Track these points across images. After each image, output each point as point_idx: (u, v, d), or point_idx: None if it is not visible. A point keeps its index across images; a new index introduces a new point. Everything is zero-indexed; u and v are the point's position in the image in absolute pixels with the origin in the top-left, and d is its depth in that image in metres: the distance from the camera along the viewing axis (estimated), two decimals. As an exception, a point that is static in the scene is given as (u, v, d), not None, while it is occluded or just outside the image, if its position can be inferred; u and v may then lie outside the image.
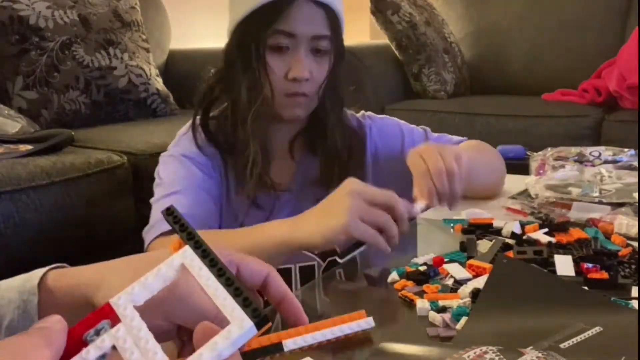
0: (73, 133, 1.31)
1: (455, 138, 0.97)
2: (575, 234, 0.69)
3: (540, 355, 0.31)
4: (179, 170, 0.81)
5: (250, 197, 0.80)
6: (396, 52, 2.17)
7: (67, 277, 0.41)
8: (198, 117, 0.85)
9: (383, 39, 2.23)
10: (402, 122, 0.97)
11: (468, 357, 0.32)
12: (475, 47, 2.38)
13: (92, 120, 1.58)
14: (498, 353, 0.31)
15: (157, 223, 0.76)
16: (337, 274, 0.68)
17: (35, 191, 1.09)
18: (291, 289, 0.37)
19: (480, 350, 0.32)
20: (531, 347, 0.34)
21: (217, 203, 0.80)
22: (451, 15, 2.41)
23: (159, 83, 1.74)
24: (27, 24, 1.51)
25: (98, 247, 1.21)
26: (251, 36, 0.80)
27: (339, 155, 0.85)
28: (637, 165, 0.96)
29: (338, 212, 0.61)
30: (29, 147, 1.22)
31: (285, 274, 0.76)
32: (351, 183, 0.64)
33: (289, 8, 0.77)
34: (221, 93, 0.85)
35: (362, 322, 0.46)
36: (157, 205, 0.79)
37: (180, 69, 1.96)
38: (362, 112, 0.97)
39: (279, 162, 0.86)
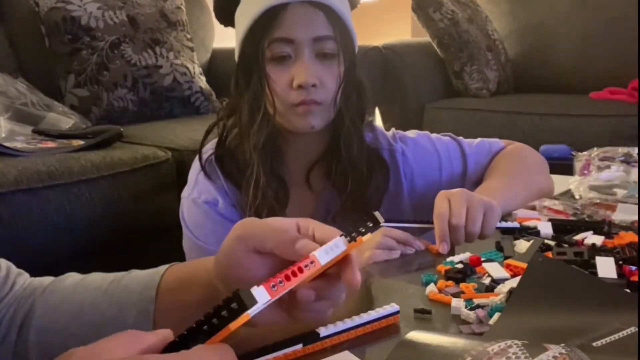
0: (122, 129, 1.37)
1: (495, 146, 0.92)
2: (627, 237, 0.67)
3: (563, 351, 0.31)
4: (204, 221, 0.79)
5: None
6: (437, 50, 2.15)
7: (181, 271, 0.45)
8: (205, 155, 0.82)
9: (425, 37, 2.21)
10: (434, 137, 0.92)
11: (492, 350, 0.32)
12: (520, 45, 2.33)
13: (139, 117, 1.63)
14: (522, 347, 0.32)
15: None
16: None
17: (86, 184, 1.14)
18: None
19: (505, 344, 0.32)
20: (563, 345, 0.33)
21: None
22: (495, 12, 2.36)
23: (202, 81, 1.78)
24: (79, 24, 1.58)
25: (142, 238, 1.25)
26: (250, 50, 0.76)
27: (357, 173, 0.80)
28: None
29: None
30: (80, 142, 1.27)
31: None
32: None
33: (284, 13, 0.73)
34: (229, 119, 0.82)
35: (389, 307, 0.47)
36: (186, 247, 0.83)
37: (222, 68, 2.00)
38: (393, 130, 0.92)
39: (296, 194, 0.80)
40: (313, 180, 0.83)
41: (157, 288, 0.43)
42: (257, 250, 0.38)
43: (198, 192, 0.81)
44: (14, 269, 0.49)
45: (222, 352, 0.28)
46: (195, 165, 0.84)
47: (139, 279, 0.45)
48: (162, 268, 0.46)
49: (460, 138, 0.94)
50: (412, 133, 0.93)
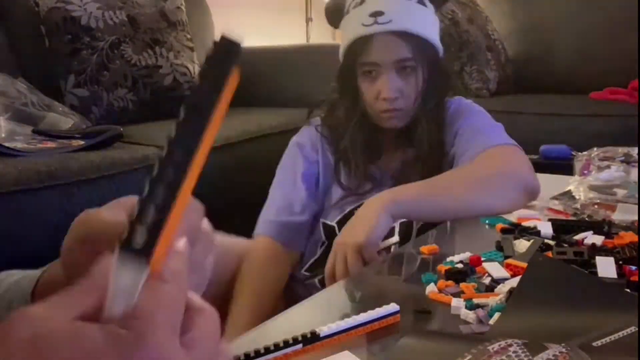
0: (122, 129, 1.37)
1: (491, 142, 0.91)
2: (627, 237, 0.67)
3: (563, 350, 0.31)
4: (286, 159, 1.01)
5: (348, 188, 0.96)
6: (438, 50, 2.15)
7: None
8: (320, 116, 1.02)
9: (424, 37, 2.21)
10: (488, 121, 0.99)
11: (492, 349, 0.32)
12: (521, 45, 2.32)
13: (139, 117, 1.63)
14: (522, 346, 0.32)
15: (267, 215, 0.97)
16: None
17: (86, 184, 1.14)
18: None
19: (505, 342, 0.32)
20: (563, 344, 0.33)
21: (310, 188, 0.97)
22: (495, 12, 2.36)
23: (202, 81, 1.78)
24: (79, 24, 1.58)
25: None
26: (348, 65, 0.96)
27: (425, 156, 0.94)
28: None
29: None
30: (80, 142, 1.27)
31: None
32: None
33: (371, 42, 0.91)
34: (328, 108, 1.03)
35: (389, 307, 0.47)
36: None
37: (223, 68, 1.99)
38: (458, 101, 1.03)
39: (389, 154, 0.99)
40: (388, 160, 1.00)
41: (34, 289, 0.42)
42: (97, 250, 0.34)
43: (296, 138, 1.03)
44: None
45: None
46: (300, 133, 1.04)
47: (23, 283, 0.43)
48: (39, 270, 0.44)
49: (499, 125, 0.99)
50: (471, 110, 1.01)
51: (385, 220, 0.73)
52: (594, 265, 0.59)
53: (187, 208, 0.23)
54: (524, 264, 0.58)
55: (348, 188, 0.96)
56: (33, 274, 0.43)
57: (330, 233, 0.94)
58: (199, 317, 0.24)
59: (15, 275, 0.47)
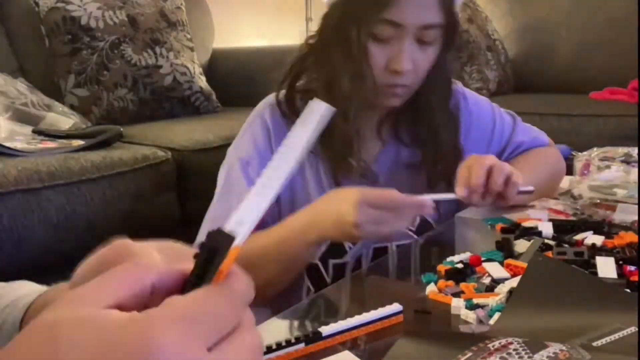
0: (122, 129, 1.37)
1: (541, 139, 0.94)
2: (627, 237, 0.67)
3: (563, 348, 0.31)
4: (248, 141, 0.79)
5: (338, 179, 0.78)
6: (438, 50, 2.15)
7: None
8: (283, 91, 0.81)
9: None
10: (494, 104, 0.94)
11: (492, 346, 0.32)
12: (520, 45, 2.33)
13: (139, 117, 1.64)
14: (523, 344, 0.32)
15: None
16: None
17: (86, 184, 1.14)
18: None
19: (506, 340, 0.32)
20: (564, 344, 0.33)
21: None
22: (495, 12, 2.36)
23: (202, 81, 1.78)
24: (79, 24, 1.58)
25: (143, 238, 1.26)
26: (353, 20, 0.72)
27: (438, 141, 0.81)
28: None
29: (348, 226, 0.62)
30: (80, 142, 1.28)
31: (381, 253, 0.76)
32: (354, 193, 0.63)
33: None
34: (311, 67, 0.79)
35: (392, 307, 0.47)
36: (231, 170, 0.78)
37: (223, 68, 2.00)
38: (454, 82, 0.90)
39: (364, 143, 0.81)
40: (383, 132, 0.83)
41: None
42: None
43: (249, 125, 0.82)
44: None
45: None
46: (258, 108, 0.83)
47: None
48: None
49: (519, 118, 0.95)
50: (472, 94, 0.93)
51: None
52: (594, 265, 0.58)
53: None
54: (524, 264, 0.58)
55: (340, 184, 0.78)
56: (33, 293, 0.42)
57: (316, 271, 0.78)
58: (239, 337, 0.22)
59: (23, 288, 0.46)
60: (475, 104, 0.90)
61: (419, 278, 0.60)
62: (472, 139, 0.87)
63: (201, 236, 0.75)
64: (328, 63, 0.76)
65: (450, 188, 0.76)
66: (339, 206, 0.63)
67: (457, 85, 0.88)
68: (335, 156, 0.78)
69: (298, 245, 0.68)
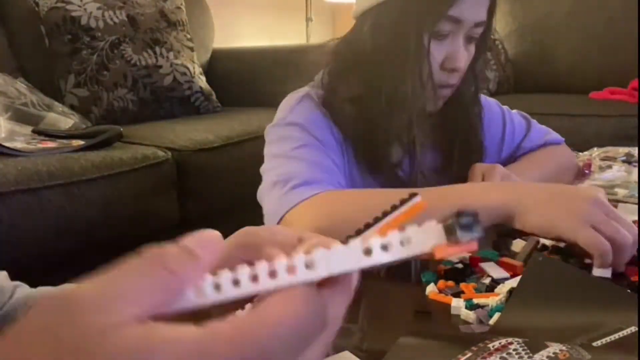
0: (122, 129, 1.37)
1: (553, 138, 0.94)
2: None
3: (564, 348, 0.31)
4: (301, 134, 0.72)
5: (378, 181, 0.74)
6: (438, 50, 2.15)
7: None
8: (315, 91, 0.78)
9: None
10: (505, 107, 0.92)
11: (492, 346, 0.32)
12: (520, 45, 2.33)
13: (139, 117, 1.64)
14: (523, 344, 0.32)
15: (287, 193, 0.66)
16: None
17: (86, 184, 1.14)
18: None
19: (506, 340, 0.32)
20: (564, 344, 0.33)
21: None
22: (495, 12, 2.36)
23: (202, 81, 1.78)
24: (79, 24, 1.58)
25: (143, 238, 1.26)
26: (416, 17, 0.70)
27: (467, 144, 0.80)
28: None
29: (572, 217, 0.55)
30: (80, 142, 1.28)
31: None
32: (594, 191, 0.58)
33: None
34: (353, 71, 0.75)
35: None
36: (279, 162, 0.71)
37: (223, 68, 2.00)
38: None
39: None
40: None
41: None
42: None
43: (293, 117, 0.75)
44: (9, 282, 0.47)
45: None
46: (292, 100, 0.78)
47: None
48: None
49: (533, 121, 0.95)
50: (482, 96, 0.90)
51: None
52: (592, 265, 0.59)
53: None
54: (516, 262, 0.59)
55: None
56: (26, 298, 0.42)
57: None
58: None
59: (23, 292, 0.46)
60: (488, 109, 0.88)
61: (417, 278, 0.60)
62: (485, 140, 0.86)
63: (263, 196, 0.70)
64: (382, 66, 0.72)
65: None
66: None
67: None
68: (373, 158, 0.74)
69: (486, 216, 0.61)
